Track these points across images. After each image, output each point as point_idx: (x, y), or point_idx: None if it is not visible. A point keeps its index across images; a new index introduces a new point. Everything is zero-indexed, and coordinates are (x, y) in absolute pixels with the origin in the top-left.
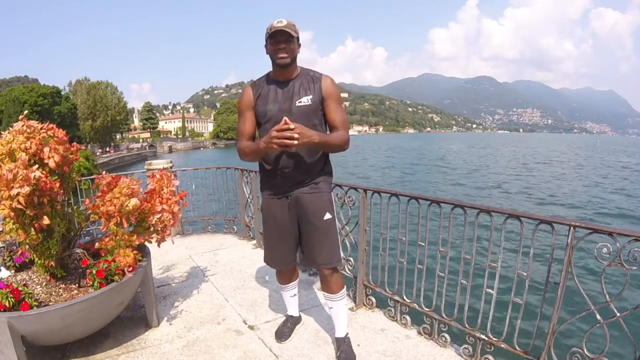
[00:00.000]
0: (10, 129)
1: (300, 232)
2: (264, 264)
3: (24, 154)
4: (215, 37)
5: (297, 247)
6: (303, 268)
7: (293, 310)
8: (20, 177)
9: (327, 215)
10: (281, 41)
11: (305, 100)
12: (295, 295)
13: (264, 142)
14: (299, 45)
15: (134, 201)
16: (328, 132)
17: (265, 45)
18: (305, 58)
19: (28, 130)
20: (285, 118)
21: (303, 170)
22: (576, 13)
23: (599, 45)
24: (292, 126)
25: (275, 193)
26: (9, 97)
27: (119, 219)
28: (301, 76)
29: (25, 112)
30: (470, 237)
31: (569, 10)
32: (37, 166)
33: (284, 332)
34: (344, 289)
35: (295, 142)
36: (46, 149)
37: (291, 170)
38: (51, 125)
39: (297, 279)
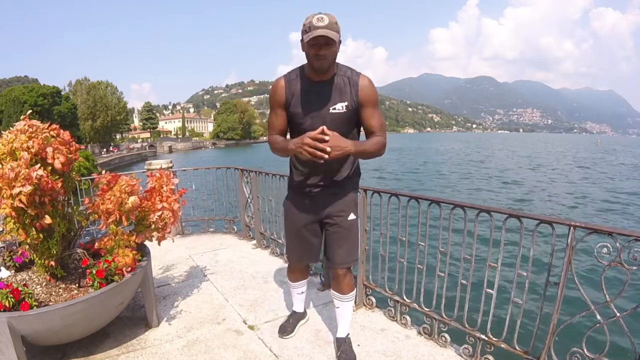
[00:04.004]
0: (12, 128)
1: (322, 231)
2: (264, 263)
3: (26, 153)
4: (215, 37)
5: (316, 247)
6: None
7: (298, 307)
8: (22, 175)
9: (352, 216)
10: (322, 46)
11: (340, 107)
12: (303, 292)
13: (293, 145)
14: (340, 42)
15: (132, 199)
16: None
17: (302, 41)
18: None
19: (30, 130)
20: (324, 127)
21: (333, 172)
22: (576, 13)
23: (599, 45)
24: (327, 137)
25: (301, 192)
26: (9, 97)
27: (118, 216)
28: (337, 77)
29: (29, 111)
30: (470, 237)
31: (569, 10)
32: (39, 165)
33: (286, 328)
34: (354, 291)
35: (327, 155)
36: (49, 149)
37: (322, 172)
38: (55, 126)
39: (307, 278)
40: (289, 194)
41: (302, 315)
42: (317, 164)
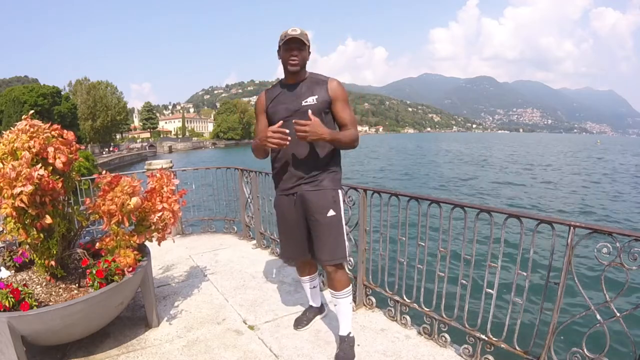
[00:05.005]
0: (13, 128)
1: (308, 228)
2: (264, 263)
3: (27, 152)
4: (215, 37)
5: (307, 242)
6: None
7: (312, 301)
8: (24, 175)
9: (331, 212)
10: (294, 48)
11: (312, 100)
12: (314, 287)
13: (258, 139)
14: (309, 52)
15: (135, 200)
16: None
17: (278, 51)
18: None
19: (32, 130)
20: (280, 122)
21: (306, 167)
22: (576, 13)
23: (599, 45)
24: (287, 130)
25: (283, 190)
26: (9, 97)
27: (120, 217)
28: (308, 79)
29: (31, 112)
30: (470, 237)
31: (569, 9)
32: (40, 165)
33: (302, 320)
34: (349, 287)
35: (288, 140)
36: (50, 149)
37: (295, 168)
38: (57, 126)
39: (315, 273)
40: (276, 196)
41: (319, 310)
42: (292, 161)
